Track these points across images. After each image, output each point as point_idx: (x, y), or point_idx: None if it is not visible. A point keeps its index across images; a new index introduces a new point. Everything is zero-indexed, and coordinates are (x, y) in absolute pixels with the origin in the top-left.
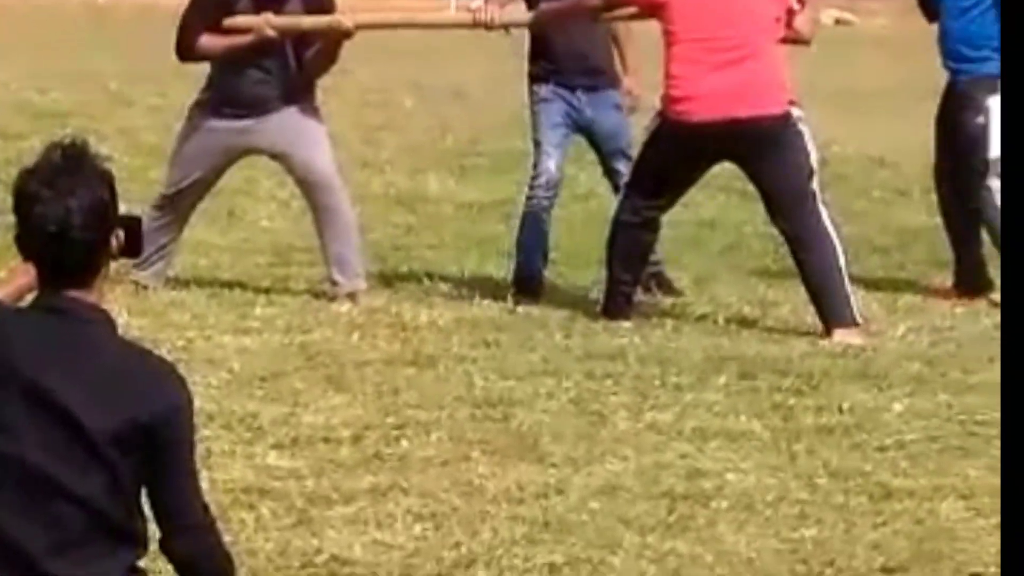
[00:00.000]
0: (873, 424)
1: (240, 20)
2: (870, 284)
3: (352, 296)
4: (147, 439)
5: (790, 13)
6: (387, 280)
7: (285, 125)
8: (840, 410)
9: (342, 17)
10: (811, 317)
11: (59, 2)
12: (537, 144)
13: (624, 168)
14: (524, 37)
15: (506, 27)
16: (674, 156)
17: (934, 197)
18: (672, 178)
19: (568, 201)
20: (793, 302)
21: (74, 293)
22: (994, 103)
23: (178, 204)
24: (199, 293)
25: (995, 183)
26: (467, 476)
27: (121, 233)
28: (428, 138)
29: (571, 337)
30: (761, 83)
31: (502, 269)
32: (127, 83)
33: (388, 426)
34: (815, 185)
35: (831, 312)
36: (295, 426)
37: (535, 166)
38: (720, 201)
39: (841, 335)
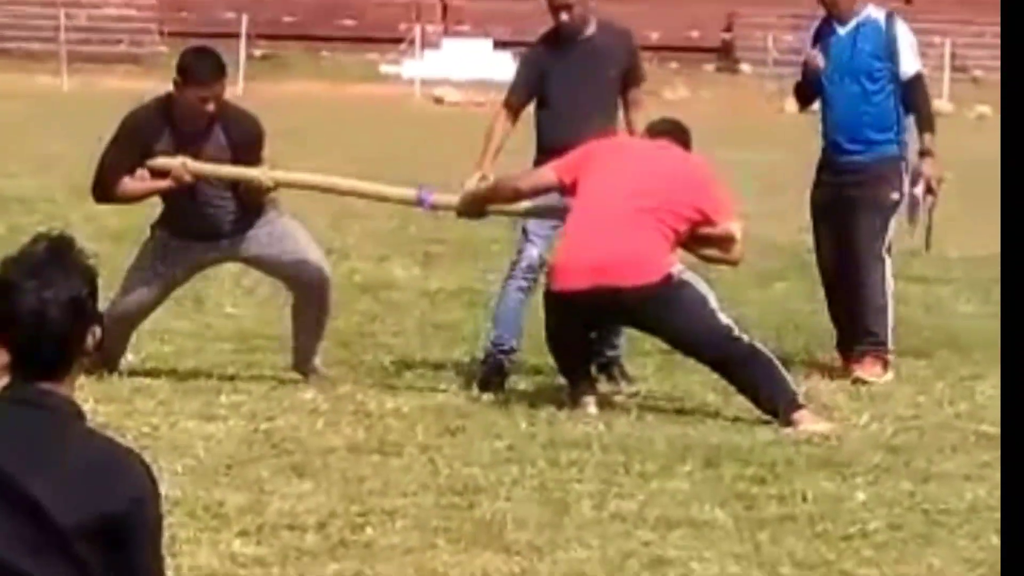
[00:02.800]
0: (836, 513)
1: (159, 162)
2: (834, 372)
3: (316, 374)
4: (114, 531)
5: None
6: (352, 367)
7: (263, 235)
8: (804, 499)
9: (260, 173)
10: None
11: (25, 87)
12: (524, 231)
13: None
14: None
15: (435, 208)
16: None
17: (902, 286)
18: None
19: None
20: None
21: (45, 385)
22: (916, 189)
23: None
24: (164, 380)
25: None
26: (432, 564)
27: (98, 330)
28: (392, 225)
29: (536, 424)
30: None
31: (466, 356)
32: (91, 169)
33: (353, 514)
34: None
35: (780, 402)
36: (260, 513)
37: (519, 251)
38: None
39: (800, 418)
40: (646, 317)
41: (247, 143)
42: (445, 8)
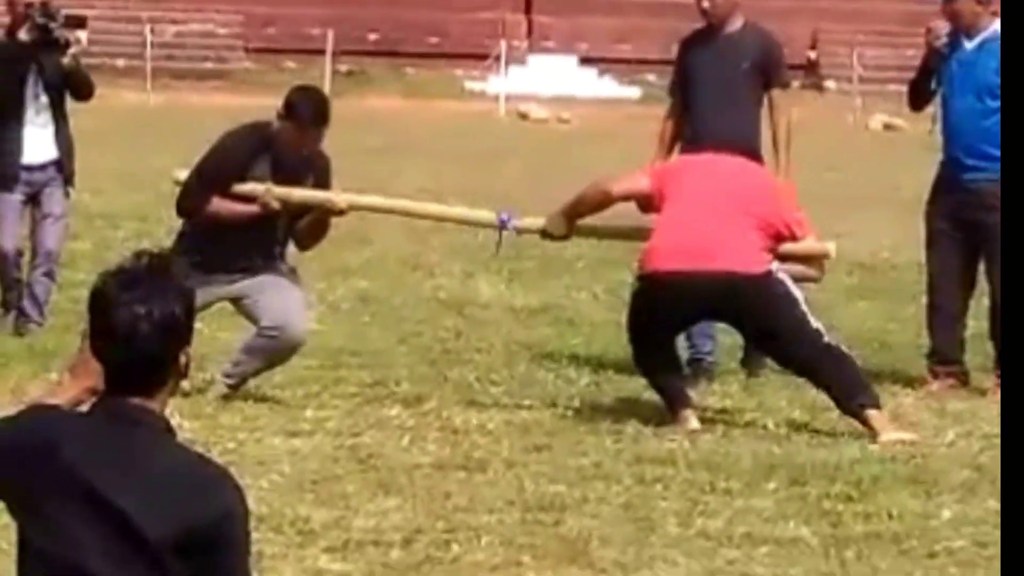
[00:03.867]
0: (922, 531)
1: (246, 188)
2: (919, 389)
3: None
4: (203, 545)
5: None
6: (437, 383)
7: (270, 285)
8: (889, 516)
9: (335, 196)
10: (859, 423)
11: (111, 103)
12: None
13: None
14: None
15: (519, 231)
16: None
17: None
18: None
19: (618, 305)
20: None
21: (136, 400)
22: None
23: None
24: (250, 396)
25: None
26: None
27: (191, 351)
28: (477, 241)
29: (621, 441)
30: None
31: (551, 373)
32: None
33: (438, 530)
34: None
35: (863, 401)
36: (346, 529)
37: None
38: None
39: (876, 418)
40: (739, 308)
41: (325, 184)
42: (530, 24)
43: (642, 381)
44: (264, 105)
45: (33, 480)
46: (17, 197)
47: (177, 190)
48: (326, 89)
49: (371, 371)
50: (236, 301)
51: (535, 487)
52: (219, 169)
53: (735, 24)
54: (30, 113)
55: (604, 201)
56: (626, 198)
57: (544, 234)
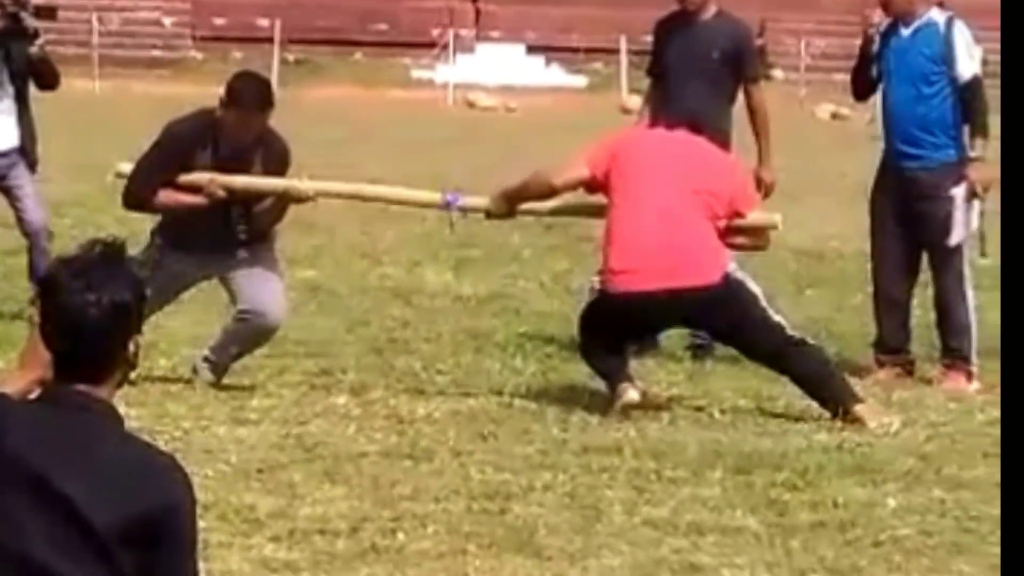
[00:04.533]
0: (868, 519)
1: (191, 178)
2: (865, 378)
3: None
4: (150, 534)
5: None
6: (383, 372)
7: (253, 267)
8: (835, 505)
9: (296, 182)
10: (807, 411)
11: (60, 91)
12: None
13: None
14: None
15: (464, 211)
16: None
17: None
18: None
19: (564, 294)
20: (788, 396)
21: (83, 387)
22: (958, 192)
23: None
24: (196, 385)
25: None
26: (463, 569)
27: (140, 340)
28: (425, 230)
29: (568, 430)
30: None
31: (497, 362)
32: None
33: (384, 519)
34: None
35: (842, 396)
36: (292, 518)
37: None
38: None
39: (862, 412)
40: (703, 316)
41: (280, 167)
42: (478, 13)
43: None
44: (211, 94)
45: None
46: None
47: (121, 183)
48: (274, 78)
49: (317, 360)
50: (222, 279)
51: (481, 476)
52: (163, 160)
53: (709, 12)
54: None
55: (547, 193)
56: (569, 188)
57: (489, 214)
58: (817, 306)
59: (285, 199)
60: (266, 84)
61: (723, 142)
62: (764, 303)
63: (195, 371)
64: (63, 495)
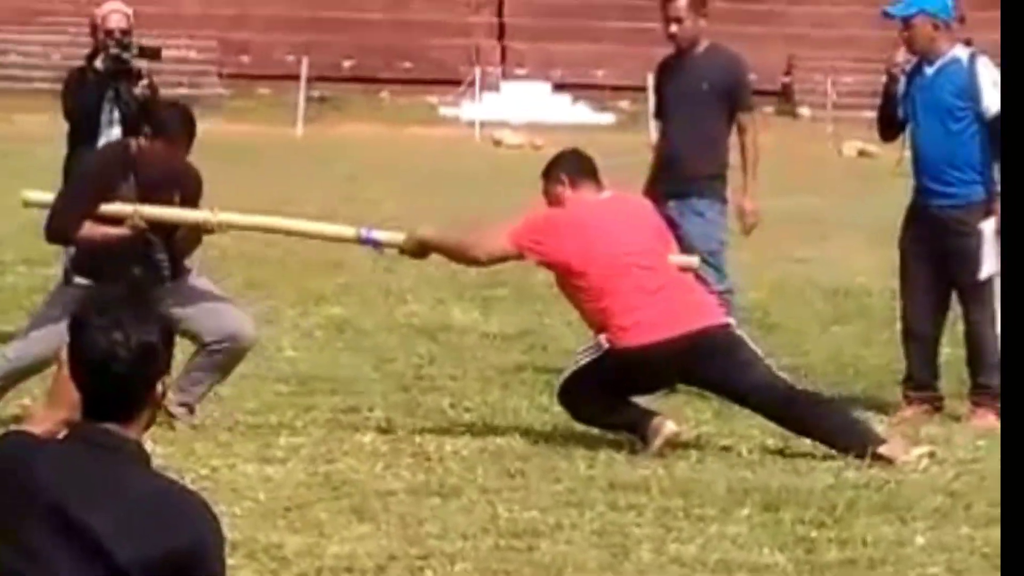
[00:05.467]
0: (896, 557)
1: (113, 208)
2: (894, 415)
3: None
4: (176, 571)
5: None
6: (410, 410)
7: (190, 302)
8: (863, 543)
9: (209, 215)
10: (833, 449)
11: None
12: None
13: (705, 272)
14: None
15: (378, 246)
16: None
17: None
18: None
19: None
20: None
21: (111, 426)
22: (987, 225)
23: (17, 377)
24: (223, 422)
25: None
26: None
27: (168, 380)
28: (451, 268)
29: (595, 467)
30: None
31: (525, 399)
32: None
33: (412, 557)
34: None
35: (866, 441)
36: (319, 556)
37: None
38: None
39: (892, 450)
40: (715, 366)
41: (195, 196)
42: (504, 51)
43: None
44: (238, 131)
45: (4, 504)
46: None
47: (40, 212)
48: (299, 116)
49: (344, 397)
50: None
51: (509, 514)
52: (85, 191)
53: (700, 47)
54: (103, 141)
55: (468, 263)
56: (493, 262)
57: (402, 251)
58: (845, 343)
59: (200, 230)
60: (191, 115)
61: (715, 175)
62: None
63: (173, 416)
64: (89, 532)
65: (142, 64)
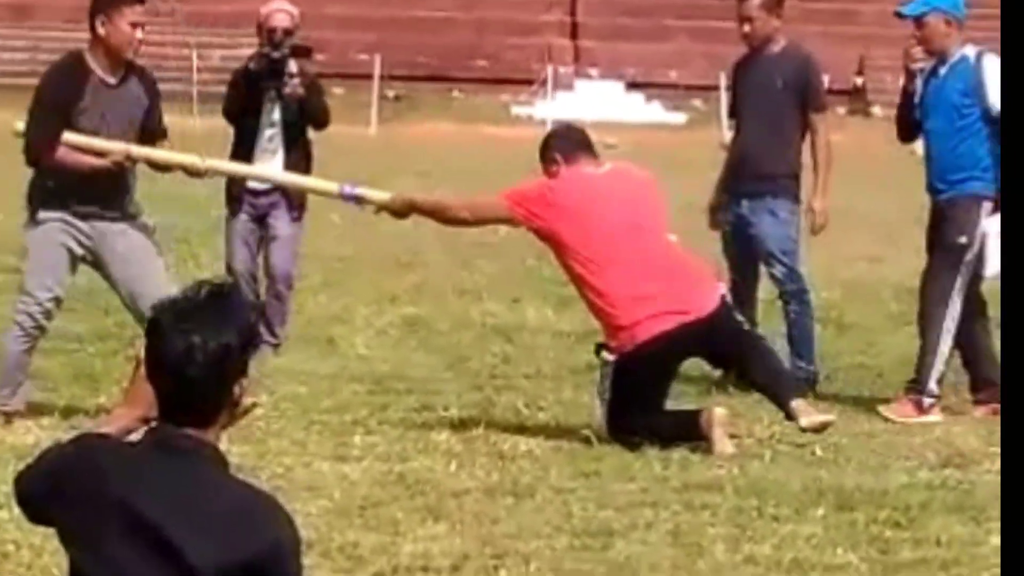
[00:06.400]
0: (971, 557)
1: (104, 145)
2: (967, 415)
3: None
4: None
5: None
6: (485, 409)
7: (126, 246)
8: (938, 543)
9: (197, 160)
10: (908, 448)
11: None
12: None
13: (777, 271)
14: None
15: (359, 202)
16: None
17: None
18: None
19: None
20: (889, 433)
21: (190, 431)
22: (992, 222)
23: (48, 317)
24: (298, 421)
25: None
26: None
27: (246, 382)
28: (525, 266)
29: (669, 467)
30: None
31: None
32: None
33: (487, 556)
34: None
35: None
36: (394, 555)
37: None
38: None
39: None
40: (717, 344)
41: (156, 94)
42: (577, 50)
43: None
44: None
45: (82, 510)
46: (244, 220)
47: (21, 141)
48: (373, 114)
49: (419, 396)
50: (98, 266)
51: (583, 513)
52: (51, 104)
53: (776, 46)
54: (263, 140)
55: (457, 224)
56: (485, 222)
57: (384, 207)
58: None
59: (186, 171)
60: None
61: (789, 174)
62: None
63: None
64: (165, 537)
65: (292, 63)
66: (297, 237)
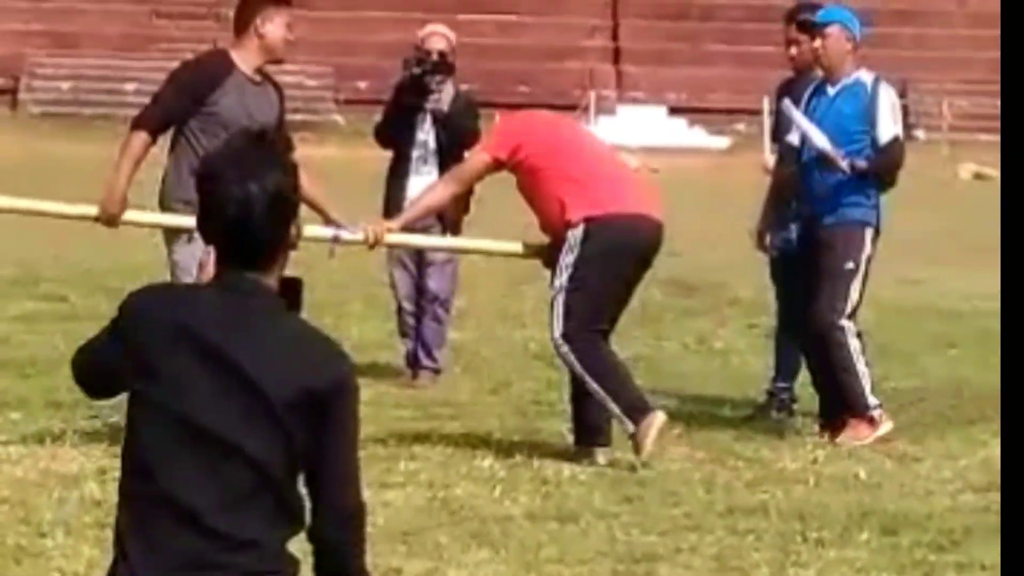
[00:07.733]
0: None
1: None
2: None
3: None
4: (319, 409)
5: None
6: (528, 434)
7: None
8: (982, 567)
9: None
10: (951, 472)
11: None
12: None
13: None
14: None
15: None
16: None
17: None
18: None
19: (708, 355)
20: (933, 457)
21: (252, 275)
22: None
23: None
24: None
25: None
26: None
27: (300, 223)
28: None
29: (713, 492)
30: None
31: None
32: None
33: None
34: None
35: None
36: None
37: None
38: None
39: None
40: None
41: (284, 104)
42: (619, 75)
43: (733, 432)
44: (355, 157)
45: (145, 336)
46: None
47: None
48: None
49: (463, 422)
50: None
51: (627, 538)
52: (182, 85)
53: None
54: (416, 161)
55: (449, 200)
56: (479, 177)
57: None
58: (960, 365)
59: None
60: None
61: None
62: None
63: None
64: (239, 368)
65: (432, 80)
66: (453, 260)
